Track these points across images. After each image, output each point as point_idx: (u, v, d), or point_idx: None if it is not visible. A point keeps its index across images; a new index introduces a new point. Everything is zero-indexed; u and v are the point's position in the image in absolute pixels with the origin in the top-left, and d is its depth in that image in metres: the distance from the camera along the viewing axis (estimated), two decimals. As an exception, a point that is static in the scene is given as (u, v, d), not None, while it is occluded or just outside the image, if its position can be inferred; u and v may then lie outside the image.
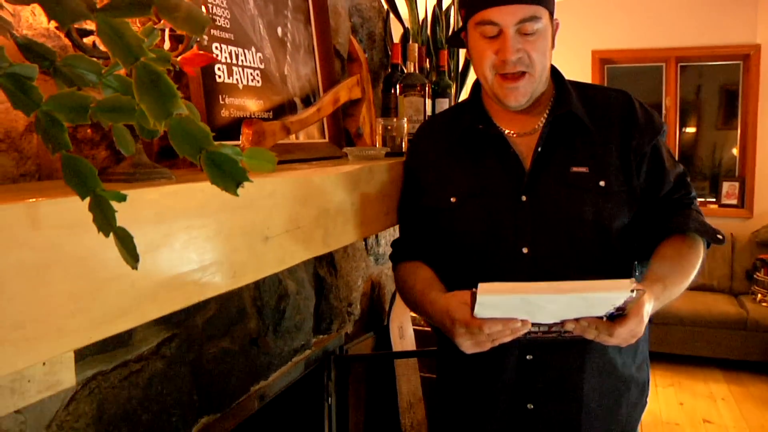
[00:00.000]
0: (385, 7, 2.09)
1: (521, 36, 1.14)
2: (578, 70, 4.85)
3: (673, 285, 1.13)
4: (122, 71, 0.58)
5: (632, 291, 0.93)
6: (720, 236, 1.22)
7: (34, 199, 0.58)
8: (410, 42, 2.00)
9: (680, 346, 4.17)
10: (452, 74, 2.14)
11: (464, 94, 2.16)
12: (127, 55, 0.48)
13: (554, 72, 1.27)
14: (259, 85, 1.27)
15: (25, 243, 0.56)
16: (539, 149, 1.19)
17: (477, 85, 1.29)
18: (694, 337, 4.13)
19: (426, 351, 2.12)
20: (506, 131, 1.24)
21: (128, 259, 0.53)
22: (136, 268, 0.52)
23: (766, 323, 4.01)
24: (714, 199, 5.00)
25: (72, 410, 1.00)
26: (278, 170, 1.06)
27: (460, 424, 1.31)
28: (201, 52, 0.76)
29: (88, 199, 0.54)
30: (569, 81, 1.27)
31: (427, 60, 2.04)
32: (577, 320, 1.01)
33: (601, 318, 1.02)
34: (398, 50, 1.89)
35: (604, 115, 1.22)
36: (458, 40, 1.29)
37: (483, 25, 1.15)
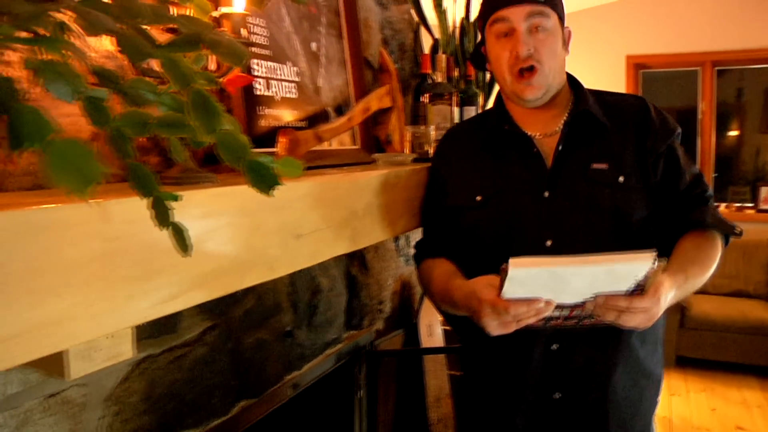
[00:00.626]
0: (416, 19, 2.19)
1: (531, 34, 1.24)
2: (612, 75, 4.87)
3: (694, 277, 1.19)
4: (172, 90, 0.69)
5: (654, 262, 0.96)
6: (738, 230, 1.29)
7: (103, 199, 0.69)
8: (439, 52, 2.09)
9: (714, 351, 4.15)
10: (480, 84, 2.22)
11: (491, 103, 2.24)
12: (182, 81, 0.59)
13: (573, 79, 1.36)
14: (294, 96, 1.38)
15: (98, 234, 0.68)
16: (560, 147, 1.28)
17: (500, 96, 1.39)
18: (728, 343, 4.11)
19: (453, 348, 2.21)
20: (529, 133, 1.33)
21: (182, 248, 0.64)
22: (189, 256, 0.63)
23: (804, 330, 3.97)
24: (752, 204, 4.94)
25: (126, 387, 1.12)
26: (311, 174, 1.17)
27: (489, 415, 1.37)
28: (242, 73, 0.87)
29: (148, 199, 0.66)
30: (588, 89, 1.36)
31: (456, 70, 2.14)
32: (597, 299, 1.05)
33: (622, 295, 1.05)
34: (427, 61, 1.99)
35: (621, 118, 1.30)
36: (479, 57, 1.39)
37: (496, 23, 1.26)
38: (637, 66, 4.98)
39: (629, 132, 1.28)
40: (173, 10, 0.73)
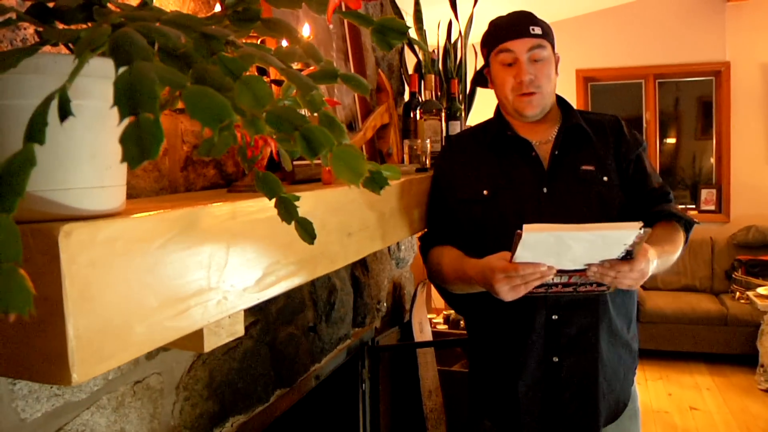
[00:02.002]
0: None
1: (532, 63, 1.48)
2: (564, 88, 5.19)
3: (668, 253, 1.42)
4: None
5: (640, 229, 1.17)
6: (696, 221, 1.55)
7: (232, 201, 0.85)
8: (423, 71, 2.29)
9: (667, 342, 4.48)
10: (461, 96, 2.42)
11: (472, 115, 2.45)
12: (314, 107, 0.76)
13: (560, 98, 1.61)
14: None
15: (228, 230, 0.84)
16: (556, 152, 1.51)
17: (498, 109, 1.61)
18: (679, 333, 4.45)
19: (448, 341, 2.39)
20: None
21: (307, 238, 0.80)
22: (313, 244, 0.80)
23: (745, 319, 4.34)
24: (693, 206, 5.34)
25: (192, 375, 1.27)
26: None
27: (495, 378, 1.56)
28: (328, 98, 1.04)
29: (273, 199, 0.82)
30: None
31: (439, 88, 2.34)
32: (597, 265, 1.25)
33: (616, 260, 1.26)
34: (416, 80, 2.18)
35: (601, 131, 1.56)
36: (482, 78, 1.61)
37: (502, 53, 1.50)
38: (586, 79, 5.33)
39: (609, 142, 1.54)
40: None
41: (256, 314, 1.47)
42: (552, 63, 1.52)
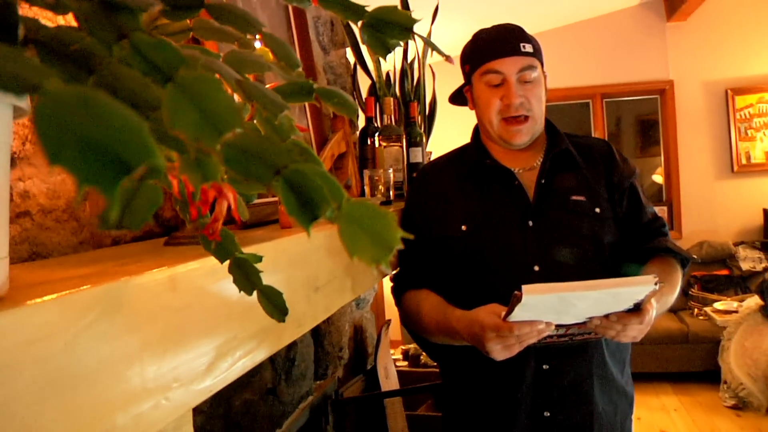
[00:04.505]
0: (352, 62, 2.21)
1: (521, 84, 1.32)
2: (511, 109, 5.14)
3: (666, 294, 1.30)
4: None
5: (655, 284, 1.03)
6: (694, 257, 1.41)
7: (170, 266, 0.64)
8: (386, 95, 2.12)
9: (632, 363, 4.40)
10: (420, 117, 2.25)
11: (433, 141, 2.29)
12: (283, 134, 0.57)
13: (547, 121, 1.45)
14: (271, 145, 1.35)
15: (168, 306, 0.62)
16: (542, 181, 1.35)
17: (477, 132, 1.44)
18: (643, 354, 4.37)
19: (417, 388, 2.19)
20: (509, 168, 1.39)
21: (275, 314, 0.60)
22: (284, 321, 0.59)
23: (705, 335, 4.30)
24: (644, 223, 5.34)
25: (128, 471, 1.02)
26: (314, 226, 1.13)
27: None
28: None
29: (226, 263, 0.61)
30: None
31: (396, 112, 2.16)
32: (601, 317, 1.11)
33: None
34: (371, 104, 2.00)
35: (591, 157, 1.40)
36: (460, 97, 1.44)
37: (489, 74, 1.33)
38: (533, 100, 5.29)
39: (600, 169, 1.39)
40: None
41: (205, 384, 1.23)
42: (542, 84, 1.37)
